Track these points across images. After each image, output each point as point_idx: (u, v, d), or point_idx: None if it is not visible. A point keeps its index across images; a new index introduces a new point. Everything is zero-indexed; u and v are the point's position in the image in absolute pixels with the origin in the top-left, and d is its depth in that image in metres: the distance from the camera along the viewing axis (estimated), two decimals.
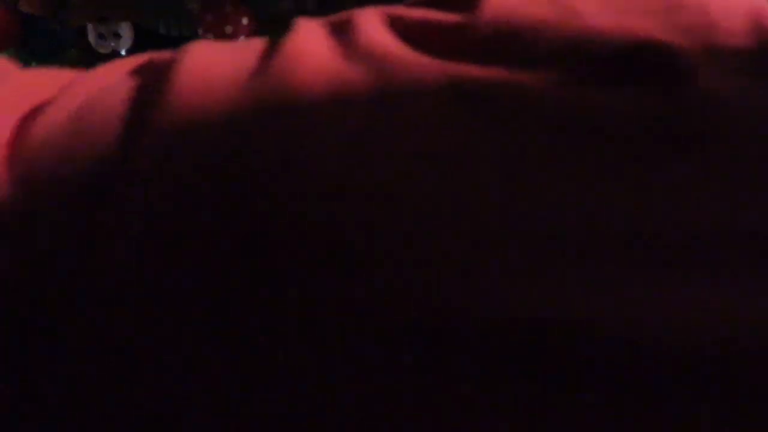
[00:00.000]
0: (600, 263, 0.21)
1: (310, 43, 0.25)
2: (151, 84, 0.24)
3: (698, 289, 0.21)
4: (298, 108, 0.22)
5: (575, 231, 0.21)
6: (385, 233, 0.21)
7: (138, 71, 0.25)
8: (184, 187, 0.22)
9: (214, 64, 0.24)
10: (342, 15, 0.26)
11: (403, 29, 0.25)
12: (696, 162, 0.22)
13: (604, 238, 0.21)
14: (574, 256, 0.21)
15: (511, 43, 0.24)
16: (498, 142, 0.22)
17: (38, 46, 1.82)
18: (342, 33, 0.25)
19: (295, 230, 0.21)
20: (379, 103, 0.23)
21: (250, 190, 0.21)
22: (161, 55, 0.26)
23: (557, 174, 0.22)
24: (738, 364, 0.21)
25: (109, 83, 0.25)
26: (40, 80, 0.27)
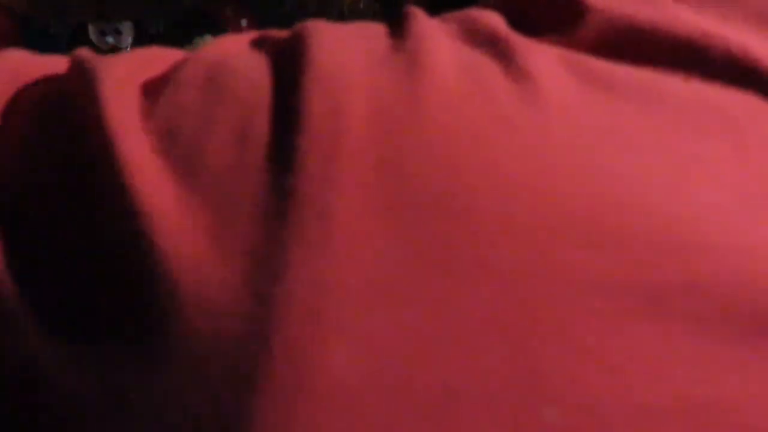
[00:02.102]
0: None
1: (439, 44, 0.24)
2: (288, 70, 0.23)
3: None
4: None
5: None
6: None
7: (263, 52, 0.25)
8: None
9: (347, 52, 0.24)
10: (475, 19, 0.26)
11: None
12: None
13: None
14: None
15: (621, 42, 0.25)
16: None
17: (31, 46, 1.82)
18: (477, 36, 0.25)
19: None
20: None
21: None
22: (276, 35, 0.25)
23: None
24: None
25: (235, 61, 0.24)
26: (144, 57, 0.26)
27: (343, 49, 0.24)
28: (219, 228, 0.21)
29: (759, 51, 0.25)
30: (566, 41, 0.25)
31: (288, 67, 0.23)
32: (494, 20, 0.25)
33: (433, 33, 0.25)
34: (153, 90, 0.24)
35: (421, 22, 0.26)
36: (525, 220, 0.21)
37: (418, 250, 0.20)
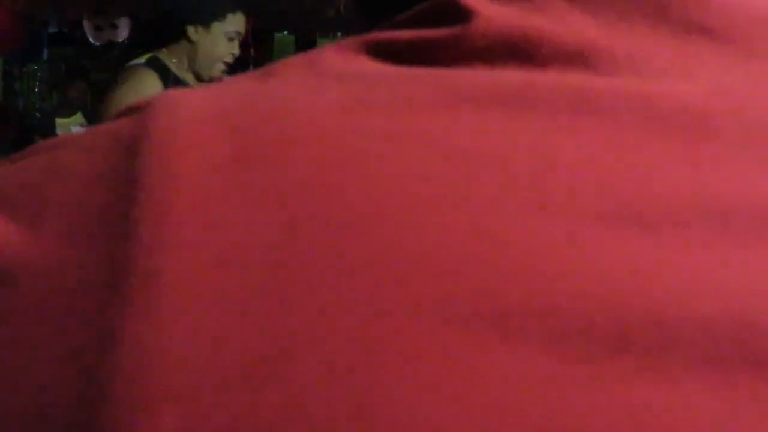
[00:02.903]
0: None
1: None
2: (132, 140, 0.24)
3: None
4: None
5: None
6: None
7: (118, 123, 0.25)
8: None
9: (191, 111, 0.24)
10: (312, 52, 0.26)
11: (383, 52, 0.25)
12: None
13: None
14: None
15: (509, 46, 0.25)
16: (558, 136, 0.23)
17: (31, 43, 1.81)
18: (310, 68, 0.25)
19: None
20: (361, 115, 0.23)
21: None
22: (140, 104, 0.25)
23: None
24: None
25: (78, 140, 0.24)
26: None
27: (187, 106, 0.24)
28: (52, 299, 0.20)
29: (647, 47, 0.26)
30: (451, 48, 0.25)
31: (132, 135, 0.23)
32: (361, 50, 0.26)
33: (289, 72, 0.26)
34: None
35: (289, 64, 0.26)
36: (361, 253, 0.20)
37: (247, 300, 0.20)
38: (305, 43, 7.06)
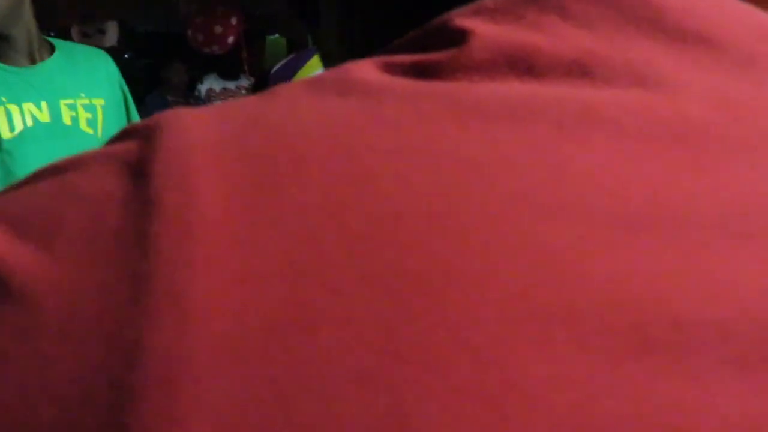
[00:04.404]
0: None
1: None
2: (141, 160, 0.24)
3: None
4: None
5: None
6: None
7: (121, 144, 0.25)
8: None
9: (201, 129, 0.24)
10: (336, 69, 0.27)
11: (398, 70, 0.26)
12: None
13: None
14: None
15: (508, 60, 0.26)
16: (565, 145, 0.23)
17: None
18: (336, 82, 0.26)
19: None
20: (375, 127, 0.23)
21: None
22: (139, 125, 0.25)
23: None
24: None
25: (86, 160, 0.25)
26: None
27: (197, 126, 0.24)
28: (73, 316, 0.21)
29: (644, 57, 0.26)
30: (452, 65, 0.26)
31: (140, 156, 0.23)
32: (364, 69, 0.26)
33: (294, 92, 0.26)
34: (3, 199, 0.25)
35: (291, 85, 0.26)
36: (386, 263, 0.21)
37: (273, 314, 0.20)
38: (296, 46, 7.08)
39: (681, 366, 0.20)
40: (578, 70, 0.25)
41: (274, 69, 1.77)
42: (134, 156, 0.23)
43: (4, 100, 1.72)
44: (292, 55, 1.81)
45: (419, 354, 0.20)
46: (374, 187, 0.22)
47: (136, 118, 2.06)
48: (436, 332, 0.20)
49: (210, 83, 5.33)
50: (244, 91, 5.31)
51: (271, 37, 7.31)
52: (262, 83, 1.76)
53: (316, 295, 0.20)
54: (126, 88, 2.03)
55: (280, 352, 0.19)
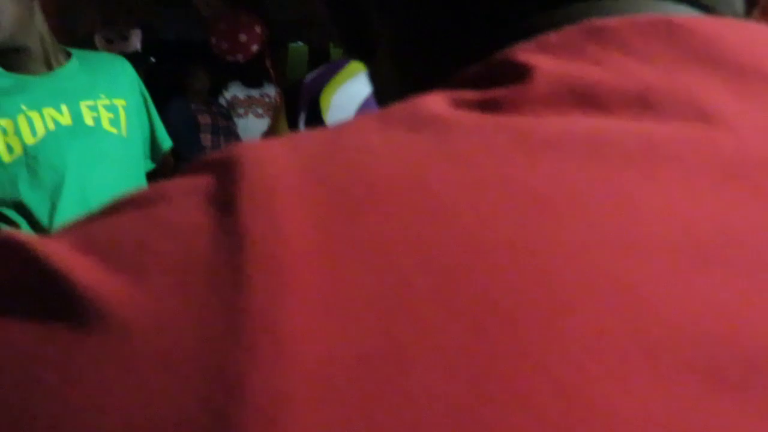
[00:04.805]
0: None
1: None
2: (224, 191, 0.24)
3: None
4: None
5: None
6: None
7: (199, 177, 0.26)
8: None
9: (282, 160, 0.24)
10: (405, 103, 0.27)
11: (466, 105, 0.26)
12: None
13: None
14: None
15: (572, 95, 0.26)
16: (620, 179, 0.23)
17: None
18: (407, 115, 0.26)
19: None
20: (450, 160, 0.24)
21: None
22: (212, 156, 0.26)
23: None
24: None
25: (169, 190, 0.25)
26: None
27: (274, 158, 0.24)
28: (173, 348, 0.21)
29: (704, 91, 0.26)
30: (515, 98, 0.26)
31: (223, 189, 0.23)
32: (433, 103, 0.26)
33: (364, 126, 0.26)
34: (86, 229, 0.25)
35: (360, 118, 0.27)
36: (474, 298, 0.21)
37: (369, 344, 0.20)
38: (318, 54, 7.11)
39: (758, 403, 0.20)
40: (641, 103, 0.26)
41: (307, 78, 1.76)
42: (216, 188, 0.24)
43: (24, 108, 1.77)
44: (325, 65, 1.81)
45: (508, 391, 0.20)
46: (455, 222, 0.22)
47: (157, 120, 2.10)
48: (523, 369, 0.20)
49: (234, 91, 5.36)
50: (268, 99, 5.33)
51: (294, 44, 7.35)
52: (293, 92, 1.76)
53: (406, 330, 0.21)
54: (146, 92, 2.06)
55: (374, 388, 0.20)
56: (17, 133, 1.75)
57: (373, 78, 0.43)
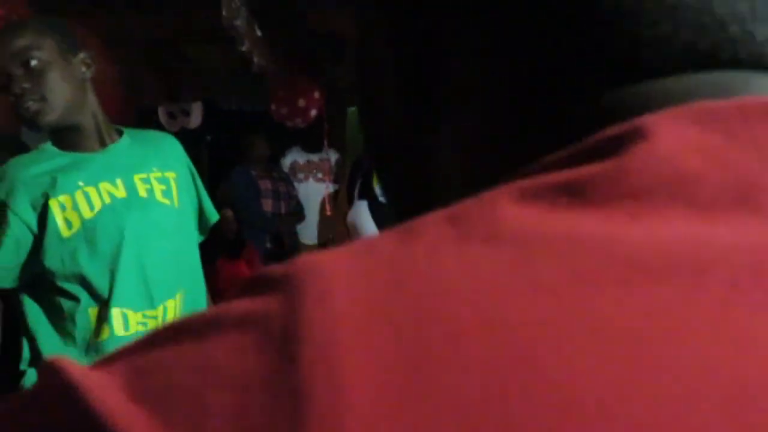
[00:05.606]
0: None
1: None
2: (283, 336, 0.23)
3: None
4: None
5: None
6: None
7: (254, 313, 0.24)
8: None
9: (347, 294, 0.23)
10: (478, 204, 0.25)
11: (544, 196, 0.25)
12: None
13: None
14: None
15: (671, 186, 0.24)
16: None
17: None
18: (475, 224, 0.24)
19: None
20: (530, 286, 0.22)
21: None
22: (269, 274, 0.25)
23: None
24: None
25: (225, 329, 0.24)
26: None
27: (340, 288, 0.23)
28: None
29: None
30: (605, 186, 0.24)
31: (282, 325, 0.22)
32: (508, 205, 0.25)
33: (436, 235, 0.24)
34: (139, 365, 0.24)
35: (433, 223, 0.25)
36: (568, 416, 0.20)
37: None
38: None
39: None
40: (745, 203, 0.24)
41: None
42: (278, 325, 0.22)
43: (81, 184, 1.85)
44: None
45: None
46: (537, 373, 0.21)
47: (204, 194, 2.19)
48: None
49: (293, 156, 5.43)
50: (327, 164, 5.37)
51: (352, 109, 7.43)
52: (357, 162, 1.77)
53: None
54: (192, 167, 2.15)
55: None
56: (75, 208, 1.81)
57: (414, 172, 0.38)
